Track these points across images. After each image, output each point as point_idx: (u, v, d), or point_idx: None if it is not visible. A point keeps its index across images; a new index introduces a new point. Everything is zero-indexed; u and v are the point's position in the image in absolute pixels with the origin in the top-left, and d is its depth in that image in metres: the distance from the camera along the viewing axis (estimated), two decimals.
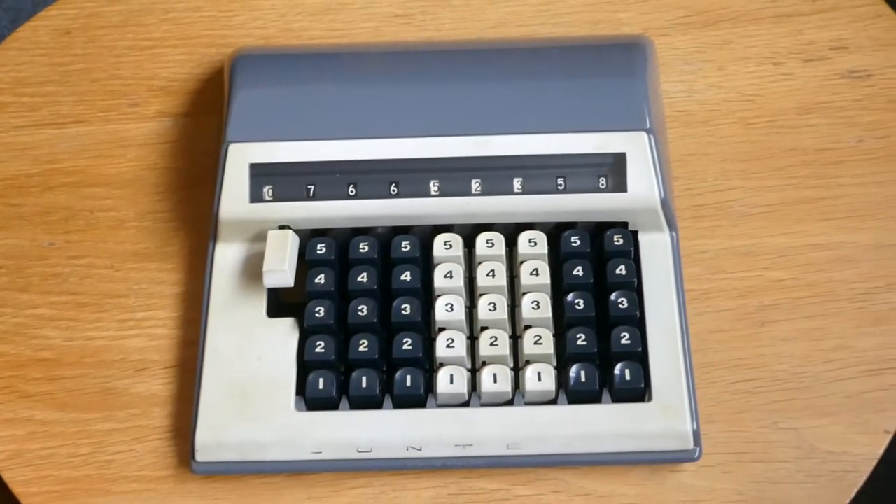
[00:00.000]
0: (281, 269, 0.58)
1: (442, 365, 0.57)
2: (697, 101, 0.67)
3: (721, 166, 0.65)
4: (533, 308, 0.58)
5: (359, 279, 0.59)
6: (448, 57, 0.65)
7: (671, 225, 0.60)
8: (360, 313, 0.58)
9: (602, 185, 0.58)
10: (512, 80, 0.62)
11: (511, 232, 0.60)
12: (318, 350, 0.57)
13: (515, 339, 0.58)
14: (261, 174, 0.59)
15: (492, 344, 0.57)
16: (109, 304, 0.62)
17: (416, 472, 0.57)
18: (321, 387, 0.57)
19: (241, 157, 0.60)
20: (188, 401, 0.59)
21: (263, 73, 0.63)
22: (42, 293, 0.63)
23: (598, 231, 0.60)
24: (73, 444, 0.59)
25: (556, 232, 0.60)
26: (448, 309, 0.58)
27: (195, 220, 0.64)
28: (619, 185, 0.58)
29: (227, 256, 0.61)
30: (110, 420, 0.59)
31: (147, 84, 0.69)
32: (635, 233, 0.60)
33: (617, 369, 0.56)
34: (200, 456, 0.56)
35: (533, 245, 0.59)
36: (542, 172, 0.59)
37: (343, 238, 0.60)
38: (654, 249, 0.60)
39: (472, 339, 0.59)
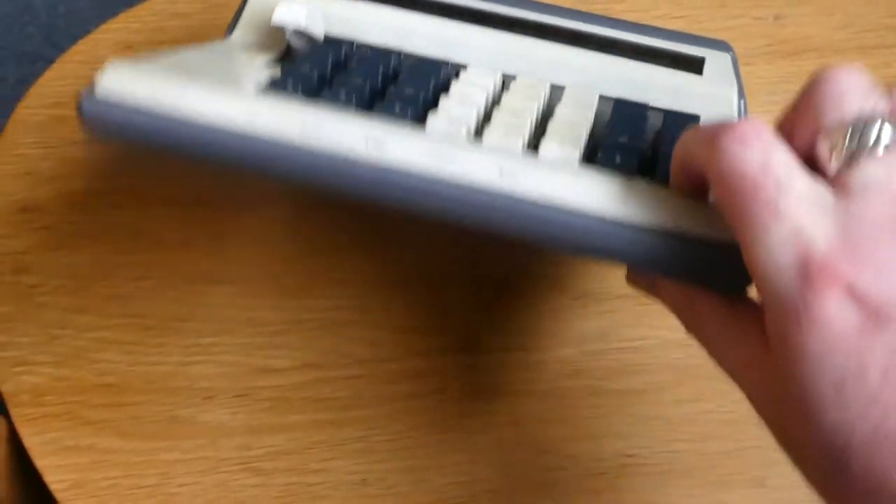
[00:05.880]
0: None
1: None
2: None
3: None
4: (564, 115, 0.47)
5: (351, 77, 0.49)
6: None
7: None
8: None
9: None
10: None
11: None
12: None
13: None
14: None
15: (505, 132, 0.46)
16: (174, 328, 0.60)
17: None
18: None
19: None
20: (257, 431, 0.56)
21: None
22: (104, 315, 0.60)
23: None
24: (137, 475, 0.56)
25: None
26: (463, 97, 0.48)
27: (266, 241, 0.62)
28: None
29: None
30: (175, 450, 0.56)
31: None
32: None
33: None
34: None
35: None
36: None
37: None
38: None
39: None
